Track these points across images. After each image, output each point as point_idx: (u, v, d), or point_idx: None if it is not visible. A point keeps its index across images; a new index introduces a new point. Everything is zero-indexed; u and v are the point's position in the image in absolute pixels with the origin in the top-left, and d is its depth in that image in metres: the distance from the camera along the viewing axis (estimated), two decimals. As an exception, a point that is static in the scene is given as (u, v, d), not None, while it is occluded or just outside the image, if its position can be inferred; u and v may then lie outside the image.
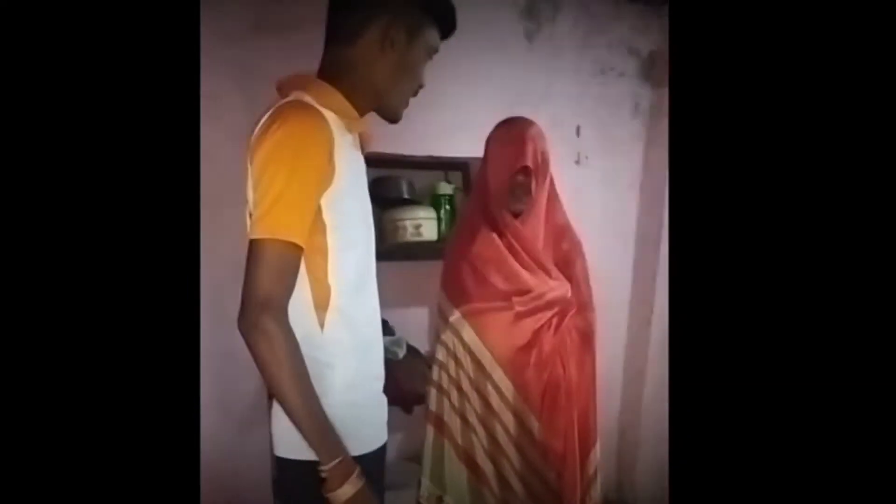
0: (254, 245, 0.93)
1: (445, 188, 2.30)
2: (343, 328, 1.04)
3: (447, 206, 2.28)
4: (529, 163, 1.58)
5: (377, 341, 1.16)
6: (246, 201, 1.03)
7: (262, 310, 0.92)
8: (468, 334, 1.62)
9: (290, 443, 1.02)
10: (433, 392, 1.68)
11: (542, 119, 1.71)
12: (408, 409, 1.91)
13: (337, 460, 0.97)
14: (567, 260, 1.72)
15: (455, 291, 1.67)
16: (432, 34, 1.11)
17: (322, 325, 1.02)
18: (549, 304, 1.64)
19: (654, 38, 2.33)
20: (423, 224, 2.15)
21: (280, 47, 1.69)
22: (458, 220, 1.81)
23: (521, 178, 1.60)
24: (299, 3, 1.67)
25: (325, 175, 0.97)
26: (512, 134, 1.62)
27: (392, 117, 1.13)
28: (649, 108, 2.41)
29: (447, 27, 1.14)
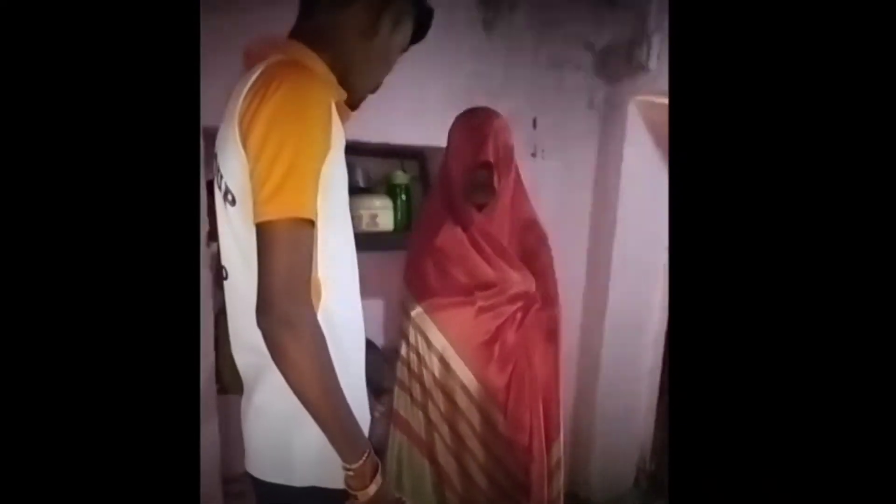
0: (267, 228, 0.81)
1: (401, 177, 2.28)
2: (329, 333, 0.88)
3: (403, 196, 2.26)
4: (490, 157, 1.57)
5: (361, 348, 1.06)
6: (216, 175, 0.93)
7: (289, 300, 0.80)
8: (430, 329, 1.59)
9: (271, 463, 0.97)
10: (396, 390, 1.66)
11: (500, 109, 1.69)
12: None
13: (364, 457, 0.89)
14: (533, 253, 1.71)
15: (417, 285, 1.65)
16: (408, 32, 1.06)
17: None
18: (513, 299, 1.64)
19: (607, 33, 2.35)
20: (380, 214, 2.12)
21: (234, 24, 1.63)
22: (421, 212, 1.78)
23: (482, 172, 1.59)
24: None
25: (327, 143, 0.86)
26: (474, 126, 1.60)
27: (353, 102, 1.05)
28: (604, 103, 2.43)
29: (422, 32, 1.09)
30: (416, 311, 1.61)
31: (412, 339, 1.62)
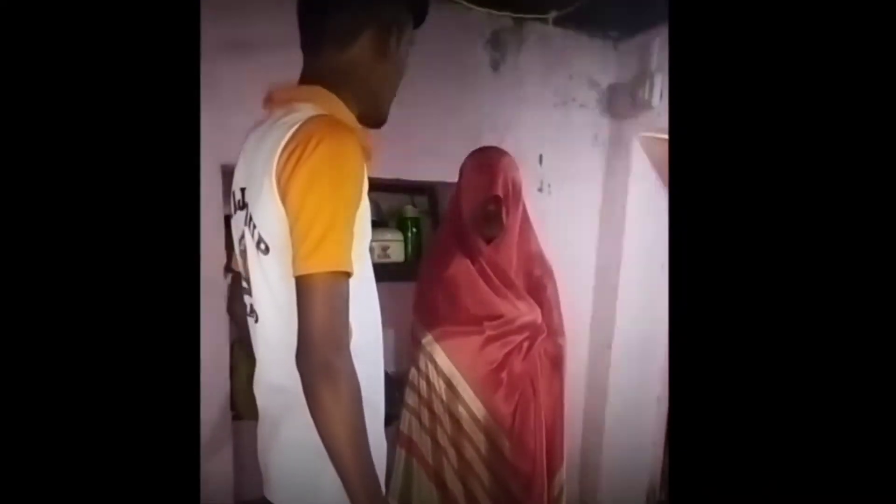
0: (307, 281, 0.84)
1: (412, 211, 2.35)
2: (359, 369, 0.91)
3: (413, 229, 2.33)
4: (500, 192, 1.64)
5: (381, 385, 1.08)
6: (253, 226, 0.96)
7: (328, 349, 0.84)
8: (439, 356, 1.65)
9: (295, 488, 0.99)
10: (405, 413, 1.71)
11: (507, 147, 1.77)
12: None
13: None
14: (539, 286, 1.78)
15: (427, 314, 1.71)
16: (410, 28, 1.08)
17: None
18: (520, 329, 1.69)
19: (612, 71, 2.43)
20: (391, 246, 2.19)
21: (251, 66, 1.72)
22: (432, 244, 1.85)
23: (492, 206, 1.66)
24: (270, 21, 1.72)
25: (360, 197, 0.90)
26: (484, 163, 1.68)
27: (380, 120, 1.09)
28: (608, 139, 2.50)
29: (421, 18, 1.11)
30: (427, 339, 1.67)
31: (422, 366, 1.67)
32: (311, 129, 0.88)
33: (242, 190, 1.02)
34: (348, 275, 0.87)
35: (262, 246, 0.94)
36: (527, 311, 1.72)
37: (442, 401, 1.65)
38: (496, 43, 2.19)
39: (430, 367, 1.66)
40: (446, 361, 1.65)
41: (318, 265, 0.84)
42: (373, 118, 1.08)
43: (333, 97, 0.98)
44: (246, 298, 1.06)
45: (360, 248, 0.95)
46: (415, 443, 1.69)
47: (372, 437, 0.97)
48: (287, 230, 0.88)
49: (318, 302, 0.84)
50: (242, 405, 2.00)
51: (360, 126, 1.02)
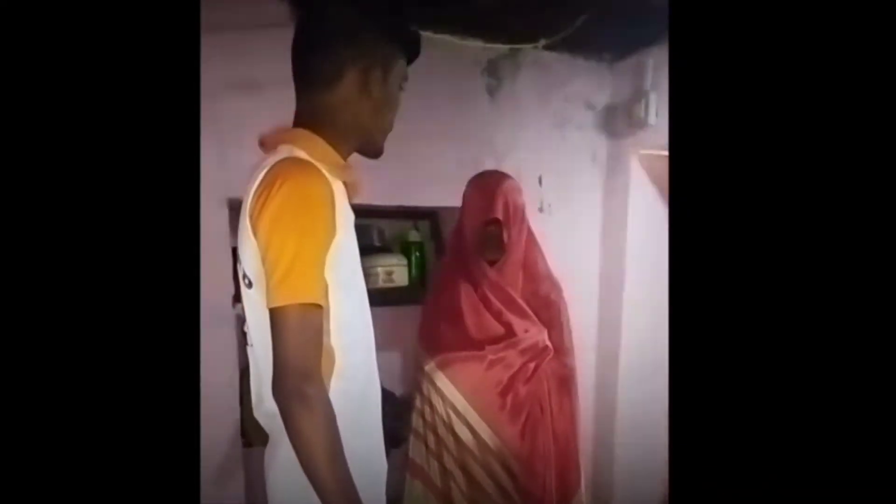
0: (278, 313, 0.90)
1: (415, 236, 2.39)
2: (346, 391, 0.99)
3: (417, 254, 2.36)
4: (499, 215, 1.67)
5: (377, 404, 1.12)
6: (238, 264, 1.03)
7: (302, 378, 0.89)
8: (441, 382, 1.67)
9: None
10: (412, 439, 1.72)
11: (506, 170, 1.81)
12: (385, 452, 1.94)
13: None
14: (546, 306, 1.79)
15: (429, 341, 1.73)
16: (402, 64, 1.12)
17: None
18: (524, 351, 1.71)
19: (607, 92, 2.48)
20: (395, 271, 2.22)
21: (256, 105, 1.77)
22: (436, 271, 1.87)
23: (492, 228, 1.69)
24: (274, 61, 1.77)
25: (330, 231, 0.95)
26: (483, 187, 1.72)
27: (375, 152, 1.13)
28: (607, 157, 2.54)
29: (413, 54, 1.14)
30: (429, 366, 1.69)
31: (425, 391, 1.69)
32: (277, 170, 0.94)
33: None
34: (318, 306, 0.92)
35: (246, 280, 1.01)
36: (533, 333, 1.73)
37: (446, 425, 1.66)
38: (492, 70, 2.24)
39: (433, 392, 1.68)
40: (449, 386, 1.66)
41: (285, 298, 0.89)
42: (367, 151, 1.13)
43: (315, 138, 1.03)
44: (245, 327, 1.11)
45: (340, 276, 0.99)
46: (422, 467, 1.70)
47: (368, 456, 1.03)
48: (261, 265, 0.94)
49: (287, 333, 0.89)
50: (253, 432, 2.02)
51: (342, 163, 1.06)
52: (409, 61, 1.15)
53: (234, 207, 1.83)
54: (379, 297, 2.17)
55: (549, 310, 1.79)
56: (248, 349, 1.11)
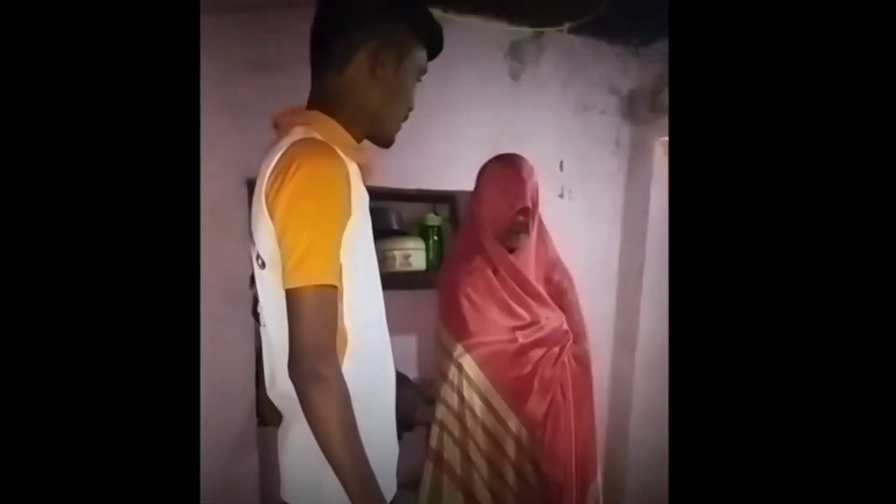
0: (294, 294, 0.91)
1: (433, 219, 2.37)
2: (358, 372, 1.00)
3: (435, 237, 2.35)
4: (529, 203, 1.65)
5: (391, 386, 1.13)
6: (250, 244, 1.04)
7: (318, 357, 0.90)
8: (472, 369, 1.65)
9: (302, 489, 1.05)
10: (434, 428, 1.70)
11: (527, 154, 1.78)
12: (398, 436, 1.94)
13: None
14: (559, 291, 1.78)
15: (456, 327, 1.69)
16: (420, 55, 1.11)
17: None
18: (549, 336, 1.70)
19: (632, 77, 2.44)
20: (413, 254, 2.21)
21: (273, 85, 1.77)
22: (452, 253, 1.85)
23: (521, 217, 1.66)
24: (292, 41, 1.76)
25: (346, 213, 0.96)
26: (510, 174, 1.68)
27: (386, 142, 1.13)
28: (629, 145, 2.50)
29: (434, 47, 1.14)
30: (458, 352, 1.66)
31: (453, 379, 1.67)
32: (293, 152, 0.94)
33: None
34: (333, 287, 0.93)
35: (260, 261, 1.01)
36: (553, 318, 1.73)
37: (474, 414, 1.65)
38: (515, 53, 2.21)
39: (463, 380, 1.65)
40: (479, 373, 1.65)
41: (302, 279, 0.91)
42: (376, 139, 1.12)
43: (328, 120, 1.04)
44: (258, 307, 1.12)
45: (355, 258, 1.00)
46: (445, 458, 1.68)
47: (380, 438, 1.04)
48: (276, 246, 0.95)
49: (304, 313, 0.91)
50: (268, 411, 2.04)
51: (356, 145, 1.06)
52: (431, 55, 1.14)
53: (253, 187, 1.83)
54: (396, 281, 2.18)
55: (562, 296, 1.78)
56: (261, 329, 1.11)
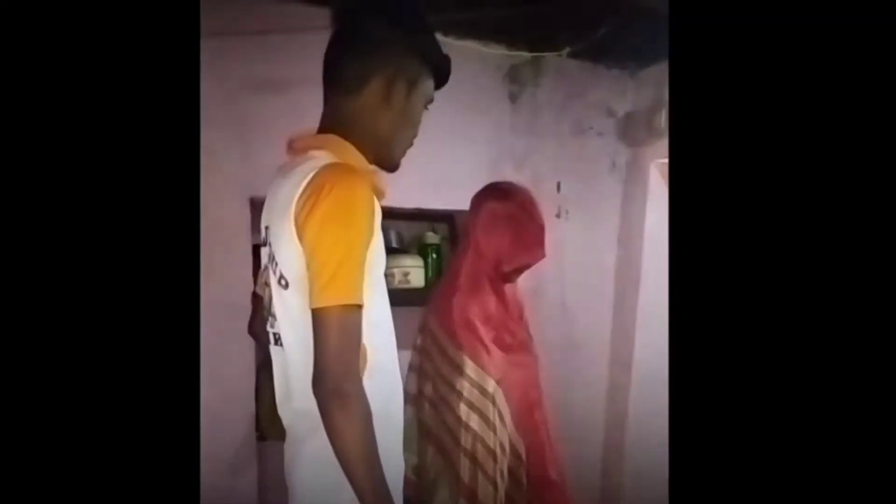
0: (323, 313, 0.93)
1: (432, 238, 2.41)
2: (376, 389, 1.00)
3: (434, 255, 2.38)
4: (546, 254, 1.68)
5: (399, 405, 1.15)
6: (271, 262, 1.05)
7: (345, 376, 0.92)
8: (502, 402, 1.64)
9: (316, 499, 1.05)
10: (465, 461, 1.62)
11: (524, 175, 1.83)
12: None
13: None
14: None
15: (474, 353, 1.64)
16: (429, 84, 1.14)
17: None
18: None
19: (629, 100, 2.49)
20: (412, 272, 2.25)
21: (278, 105, 1.81)
22: (454, 276, 1.74)
23: (532, 264, 1.70)
24: (297, 63, 1.81)
25: (371, 234, 0.99)
26: (527, 221, 1.66)
27: (392, 167, 1.15)
28: (626, 165, 2.54)
29: (443, 78, 1.17)
30: (492, 388, 1.63)
31: (491, 416, 1.62)
32: (325, 176, 0.97)
33: (266, 228, 1.11)
34: (359, 307, 0.96)
35: (283, 282, 1.03)
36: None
37: (502, 447, 1.63)
38: (514, 76, 2.26)
39: (497, 415, 1.63)
40: (506, 405, 1.65)
41: (331, 299, 0.93)
42: (383, 164, 1.15)
43: (345, 144, 1.07)
44: (269, 327, 1.14)
45: (373, 277, 1.02)
46: (474, 491, 1.61)
47: (390, 452, 1.04)
48: (304, 268, 0.97)
49: (331, 332, 0.93)
50: (267, 427, 2.06)
51: (371, 168, 1.09)
52: (438, 85, 1.18)
53: (257, 206, 1.87)
54: (394, 298, 2.19)
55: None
56: (273, 347, 1.13)
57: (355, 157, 1.07)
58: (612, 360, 2.66)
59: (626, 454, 2.62)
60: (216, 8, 1.71)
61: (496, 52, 2.17)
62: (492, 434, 1.63)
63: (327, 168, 0.99)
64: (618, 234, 2.60)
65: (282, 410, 1.15)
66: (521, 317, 1.75)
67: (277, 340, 1.11)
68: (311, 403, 0.95)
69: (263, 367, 2.13)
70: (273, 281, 1.06)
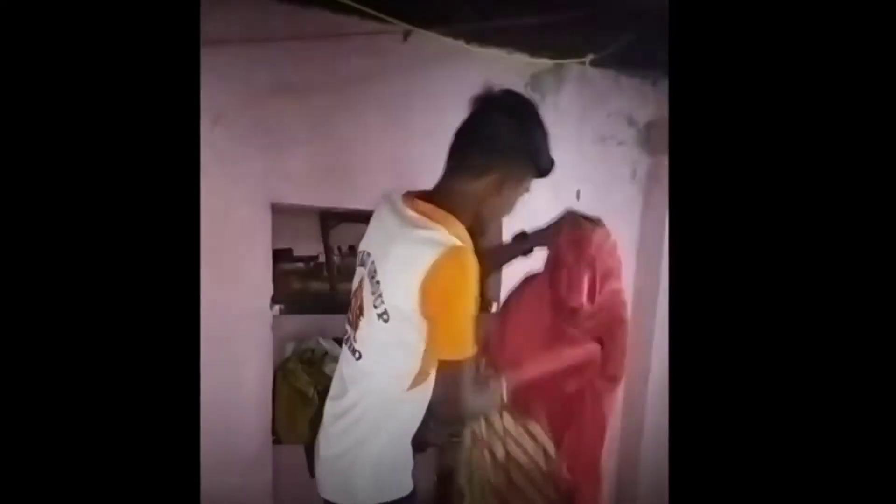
0: (453, 363, 1.18)
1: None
2: (427, 396, 1.27)
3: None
4: None
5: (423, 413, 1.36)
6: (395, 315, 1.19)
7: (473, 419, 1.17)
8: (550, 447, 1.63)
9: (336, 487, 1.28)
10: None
11: (544, 183, 1.81)
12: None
13: None
14: None
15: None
16: (530, 180, 1.30)
17: (409, 386, 1.23)
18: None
19: (650, 109, 2.47)
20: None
21: (299, 111, 1.82)
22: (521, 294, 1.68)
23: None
24: (318, 70, 1.82)
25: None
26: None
27: (482, 234, 1.31)
28: (646, 175, 2.53)
29: (544, 175, 1.31)
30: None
31: (527, 447, 1.61)
32: (454, 258, 1.14)
33: (368, 254, 1.30)
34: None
35: (385, 317, 1.20)
36: None
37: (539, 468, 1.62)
38: (536, 84, 2.25)
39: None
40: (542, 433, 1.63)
41: (461, 352, 1.17)
42: (476, 233, 1.29)
43: (459, 225, 1.22)
44: (349, 334, 1.33)
45: None
46: None
47: (402, 450, 1.30)
48: (413, 318, 1.17)
49: (463, 381, 1.18)
50: (282, 430, 2.07)
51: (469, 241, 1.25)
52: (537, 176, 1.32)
53: (277, 212, 1.88)
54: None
55: None
56: (351, 357, 1.31)
57: (464, 236, 1.22)
58: (629, 372, 2.62)
59: (641, 467, 2.60)
60: (239, 13, 1.73)
61: (519, 59, 2.17)
62: (524, 456, 1.61)
63: (454, 251, 1.14)
64: (637, 242, 2.59)
65: (329, 405, 1.36)
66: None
67: (356, 352, 1.29)
68: (373, 412, 1.24)
69: (280, 371, 2.15)
70: (369, 305, 1.24)
